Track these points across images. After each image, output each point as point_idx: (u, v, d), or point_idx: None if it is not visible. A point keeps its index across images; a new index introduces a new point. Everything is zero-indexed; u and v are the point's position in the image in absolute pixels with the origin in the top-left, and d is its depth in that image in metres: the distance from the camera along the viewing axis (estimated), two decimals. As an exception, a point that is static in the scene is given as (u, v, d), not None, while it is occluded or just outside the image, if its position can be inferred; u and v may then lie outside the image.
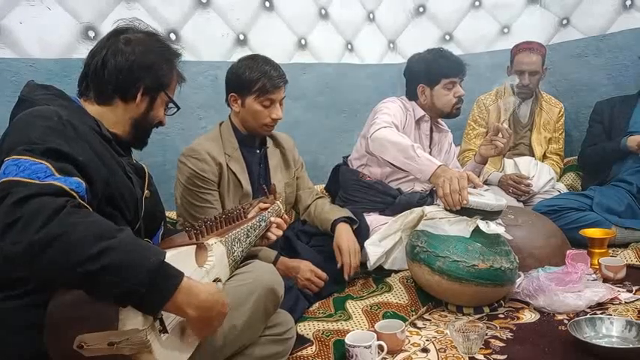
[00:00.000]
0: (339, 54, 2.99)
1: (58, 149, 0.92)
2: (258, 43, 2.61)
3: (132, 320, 0.84)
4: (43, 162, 0.89)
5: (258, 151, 1.85)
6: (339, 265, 1.81)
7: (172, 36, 2.35)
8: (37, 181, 0.86)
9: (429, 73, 2.17)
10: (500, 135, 2.10)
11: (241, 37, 2.56)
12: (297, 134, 2.72)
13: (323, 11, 2.87)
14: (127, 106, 1.18)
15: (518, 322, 1.58)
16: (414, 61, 2.26)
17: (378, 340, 1.36)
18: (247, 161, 1.80)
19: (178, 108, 1.28)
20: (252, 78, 1.68)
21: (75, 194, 0.89)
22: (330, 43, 2.93)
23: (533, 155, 2.74)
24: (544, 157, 2.78)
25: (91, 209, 0.91)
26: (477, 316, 1.63)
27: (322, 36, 2.88)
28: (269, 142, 1.89)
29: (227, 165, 1.74)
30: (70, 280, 0.83)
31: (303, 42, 2.81)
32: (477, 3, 3.23)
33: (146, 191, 1.21)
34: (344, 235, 1.84)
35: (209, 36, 2.46)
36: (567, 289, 1.64)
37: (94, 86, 1.17)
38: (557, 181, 2.75)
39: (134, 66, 1.16)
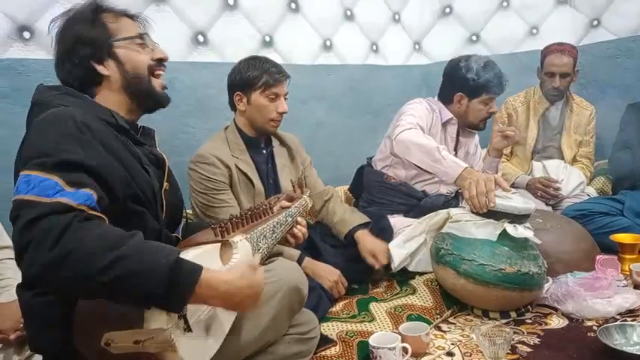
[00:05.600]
0: (364, 55, 2.98)
1: (70, 160, 0.91)
2: (283, 44, 2.63)
3: (156, 319, 0.85)
4: (54, 177, 0.88)
5: (264, 151, 1.89)
6: (376, 267, 1.84)
7: (200, 38, 2.38)
8: (45, 200, 0.86)
9: (472, 85, 2.10)
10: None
11: (267, 38, 2.58)
12: (321, 135, 2.74)
13: (348, 12, 2.87)
14: (106, 84, 1.13)
15: (546, 327, 1.55)
16: (460, 66, 2.14)
17: (402, 342, 1.35)
18: (255, 161, 1.83)
19: (143, 34, 1.16)
20: (256, 74, 1.75)
21: (84, 207, 0.88)
22: (355, 45, 2.93)
23: (562, 158, 2.69)
24: (574, 161, 2.72)
25: (105, 218, 0.91)
26: (504, 321, 1.60)
27: (347, 37, 2.88)
28: (275, 142, 1.92)
29: (236, 166, 1.77)
30: (89, 292, 0.85)
31: (328, 43, 2.81)
32: (504, 3, 3.18)
33: (165, 184, 1.18)
34: (369, 241, 1.86)
35: (236, 38, 2.48)
36: (597, 294, 1.60)
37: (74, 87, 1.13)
38: (587, 185, 2.69)
39: (68, 53, 1.12)
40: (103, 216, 0.91)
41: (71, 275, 0.81)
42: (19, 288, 1.03)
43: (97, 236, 0.84)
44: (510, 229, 1.58)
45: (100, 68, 1.12)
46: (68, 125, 0.96)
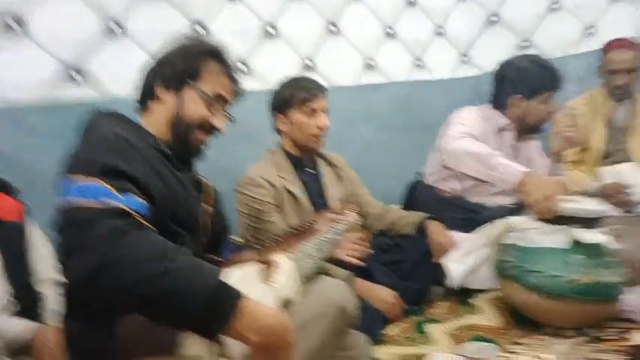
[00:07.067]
0: (408, 71, 2.92)
1: (118, 168, 0.92)
2: (324, 67, 2.62)
3: (194, 346, 0.83)
4: (102, 182, 0.88)
5: (311, 171, 1.87)
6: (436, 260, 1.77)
7: (242, 67, 2.41)
8: (97, 204, 0.85)
9: (528, 84, 1.99)
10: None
11: (308, 62, 2.59)
12: (369, 155, 2.68)
13: (390, 30, 2.84)
14: (157, 106, 1.14)
15: (631, 343, 1.36)
16: (511, 68, 2.06)
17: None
18: (302, 181, 1.82)
19: (217, 97, 1.15)
20: (292, 92, 1.76)
21: (136, 214, 0.87)
22: (399, 61, 2.87)
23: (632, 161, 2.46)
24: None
25: (153, 228, 0.89)
26: (582, 339, 1.43)
27: (390, 55, 2.83)
28: (320, 162, 1.91)
29: (284, 187, 1.75)
30: (128, 304, 0.82)
31: (371, 63, 2.78)
32: (555, 5, 3.04)
33: (209, 207, 1.18)
34: (441, 232, 1.84)
35: (277, 64, 2.49)
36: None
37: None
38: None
39: (154, 66, 1.16)
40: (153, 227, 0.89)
41: (115, 282, 0.78)
42: (66, 317, 1.01)
43: (146, 245, 0.82)
44: (582, 234, 1.43)
45: (159, 90, 1.13)
46: (111, 140, 0.97)
